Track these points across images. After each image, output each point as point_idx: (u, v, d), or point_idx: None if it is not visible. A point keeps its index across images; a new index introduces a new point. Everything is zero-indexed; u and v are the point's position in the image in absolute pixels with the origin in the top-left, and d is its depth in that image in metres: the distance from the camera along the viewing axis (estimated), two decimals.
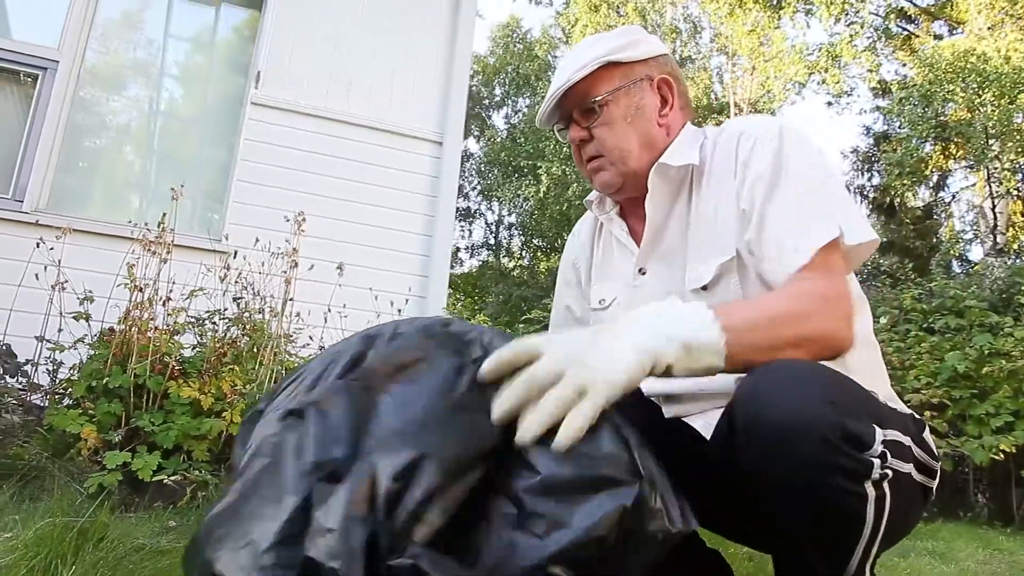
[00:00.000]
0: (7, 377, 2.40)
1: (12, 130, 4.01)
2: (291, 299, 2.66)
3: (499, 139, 19.72)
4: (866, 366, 1.10)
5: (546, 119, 1.24)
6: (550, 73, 19.65)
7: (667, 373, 0.83)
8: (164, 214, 2.43)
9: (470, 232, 21.30)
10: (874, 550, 0.90)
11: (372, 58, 4.44)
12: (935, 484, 1.06)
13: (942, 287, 5.64)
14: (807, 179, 1.08)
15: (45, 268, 2.44)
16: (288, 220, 2.78)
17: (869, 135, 16.01)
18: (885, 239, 16.93)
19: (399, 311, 3.13)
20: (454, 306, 20.93)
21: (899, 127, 12.94)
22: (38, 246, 2.45)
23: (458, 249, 20.95)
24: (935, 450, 1.08)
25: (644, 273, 1.23)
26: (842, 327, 0.97)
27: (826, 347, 0.95)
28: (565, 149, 14.40)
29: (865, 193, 17.05)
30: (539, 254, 20.03)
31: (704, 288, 1.13)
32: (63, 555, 1.20)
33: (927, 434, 1.08)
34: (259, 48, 4.29)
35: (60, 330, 2.46)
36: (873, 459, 0.83)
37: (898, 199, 14.61)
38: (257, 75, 4.17)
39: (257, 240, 2.96)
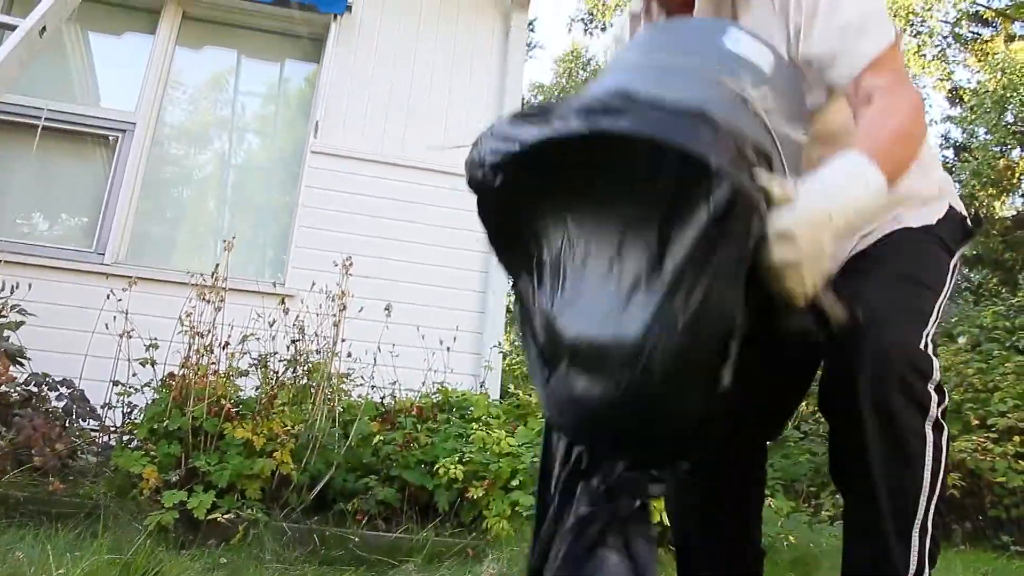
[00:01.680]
0: (81, 420, 2.57)
1: (97, 188, 4.31)
2: (343, 339, 2.75)
3: None
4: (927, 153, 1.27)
5: None
6: None
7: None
8: (217, 265, 2.56)
9: None
10: (933, 505, 1.06)
11: (425, 103, 4.58)
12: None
13: None
14: None
15: (114, 317, 2.61)
16: (336, 264, 2.88)
17: (948, 145, 15.35)
18: (973, 253, 16.08)
19: (447, 348, 3.20)
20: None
21: (972, 136, 12.36)
22: (108, 298, 2.62)
23: None
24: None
25: None
26: (924, 125, 1.15)
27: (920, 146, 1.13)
28: None
29: None
30: None
31: None
32: None
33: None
34: (318, 99, 4.48)
35: (134, 374, 2.62)
36: (932, 392, 1.05)
37: (983, 210, 13.88)
38: (316, 125, 4.36)
39: (313, 284, 3.08)
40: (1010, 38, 13.69)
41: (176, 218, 4.85)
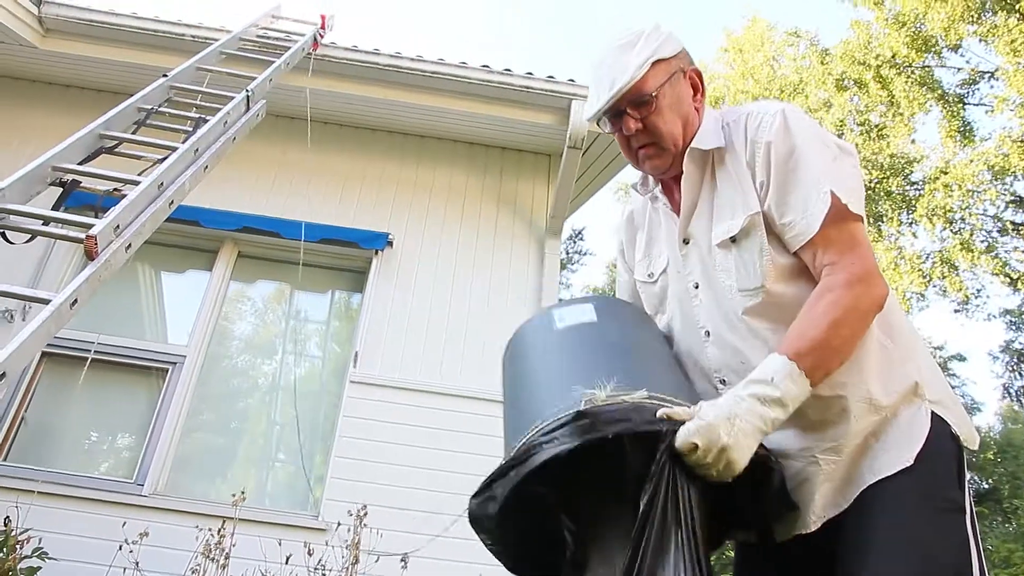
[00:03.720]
0: None
1: (143, 419, 4.39)
2: None
3: None
4: (897, 321, 1.30)
5: (596, 115, 1.44)
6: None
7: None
8: (224, 520, 2.50)
9: None
10: None
11: (462, 330, 4.67)
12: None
13: None
14: (809, 153, 1.28)
15: (124, 571, 2.53)
16: (351, 514, 2.79)
17: (1018, 330, 14.82)
18: None
19: None
20: None
21: None
22: (120, 549, 2.56)
23: None
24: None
25: (688, 242, 1.42)
26: (874, 291, 1.21)
27: (872, 315, 1.21)
28: None
29: None
30: None
31: (733, 240, 1.32)
32: None
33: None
34: (358, 329, 4.63)
35: None
36: None
37: None
38: (355, 355, 4.46)
39: (339, 524, 2.98)
40: None
41: (220, 448, 4.87)
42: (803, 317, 1.19)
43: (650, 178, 1.55)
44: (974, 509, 1.16)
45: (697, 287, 1.39)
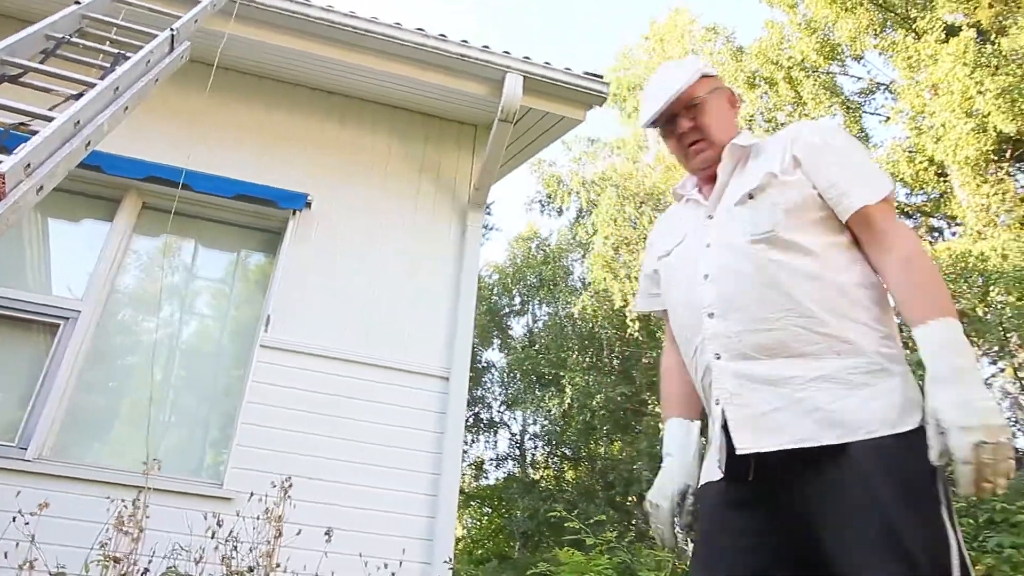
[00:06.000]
0: None
1: (30, 377, 4.06)
2: (277, 565, 2.49)
3: (521, 347, 19.91)
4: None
5: (650, 120, 1.71)
6: (571, 279, 20.31)
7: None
8: (140, 491, 2.34)
9: (495, 443, 20.84)
10: None
11: (380, 299, 4.56)
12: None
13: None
14: (852, 149, 1.59)
15: (16, 544, 2.32)
16: (275, 486, 2.68)
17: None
18: None
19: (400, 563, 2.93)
20: (482, 519, 20.00)
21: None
22: (14, 519, 2.35)
23: (483, 461, 20.39)
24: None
25: (712, 218, 1.62)
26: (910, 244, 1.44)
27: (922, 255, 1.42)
28: (587, 360, 15.98)
29: None
30: (565, 464, 19.42)
31: (751, 196, 1.55)
32: None
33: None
34: (270, 292, 4.43)
35: None
36: None
37: None
38: (267, 319, 4.27)
39: (252, 494, 2.86)
40: (930, 230, 14.73)
41: (114, 411, 4.56)
42: (901, 290, 1.39)
43: (687, 183, 1.79)
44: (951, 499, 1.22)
45: (709, 246, 1.57)
